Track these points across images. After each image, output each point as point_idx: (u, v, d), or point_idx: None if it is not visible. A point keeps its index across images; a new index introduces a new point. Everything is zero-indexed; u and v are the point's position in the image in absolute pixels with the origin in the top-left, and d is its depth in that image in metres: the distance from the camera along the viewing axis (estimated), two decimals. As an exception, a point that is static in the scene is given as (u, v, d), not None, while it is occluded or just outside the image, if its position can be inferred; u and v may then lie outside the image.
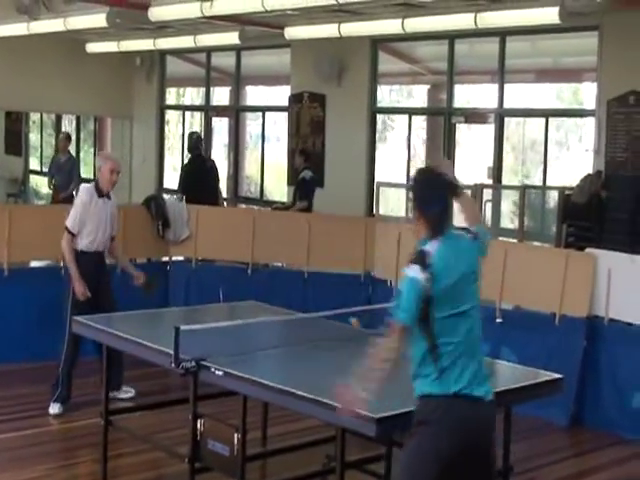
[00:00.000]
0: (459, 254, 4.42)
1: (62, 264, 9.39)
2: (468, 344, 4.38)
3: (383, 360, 4.31)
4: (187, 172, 12.46)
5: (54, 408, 7.84)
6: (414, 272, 4.26)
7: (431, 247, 4.35)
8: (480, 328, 4.48)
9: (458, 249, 4.44)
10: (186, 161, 12.53)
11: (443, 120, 13.87)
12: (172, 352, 5.45)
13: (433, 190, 4.48)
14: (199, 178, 12.27)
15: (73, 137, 20.74)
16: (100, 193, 7.89)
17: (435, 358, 4.34)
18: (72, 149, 17.37)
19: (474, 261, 4.50)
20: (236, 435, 5.40)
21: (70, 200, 14.16)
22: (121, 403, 7.78)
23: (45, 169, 18.37)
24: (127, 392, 8.10)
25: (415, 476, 4.37)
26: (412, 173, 4.71)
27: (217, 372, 5.36)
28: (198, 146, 12.75)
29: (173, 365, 5.46)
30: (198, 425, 5.63)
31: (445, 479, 4.34)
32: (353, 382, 4.29)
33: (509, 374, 6.09)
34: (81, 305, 7.64)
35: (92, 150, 20.97)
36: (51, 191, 15.64)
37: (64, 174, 14.84)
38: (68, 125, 21.82)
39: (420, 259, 4.29)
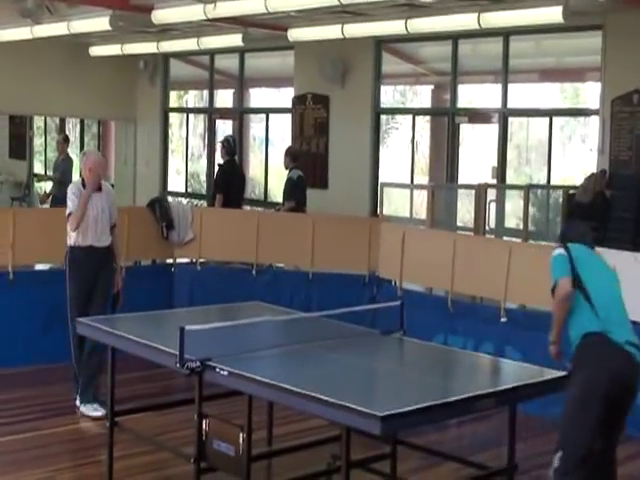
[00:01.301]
0: (592, 254, 5.88)
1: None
2: (616, 310, 5.62)
3: (560, 305, 5.65)
4: (226, 172, 12.37)
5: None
6: (558, 251, 5.73)
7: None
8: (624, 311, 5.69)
9: (591, 252, 5.87)
10: (222, 162, 12.48)
11: (447, 120, 13.89)
12: (177, 353, 5.45)
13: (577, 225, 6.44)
14: (233, 181, 12.30)
15: (77, 141, 20.83)
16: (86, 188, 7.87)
17: (592, 307, 5.51)
18: (76, 152, 17.42)
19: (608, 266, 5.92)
20: (241, 435, 5.41)
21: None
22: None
23: (50, 173, 18.43)
24: (97, 410, 7.83)
25: (583, 407, 5.45)
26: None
27: (222, 372, 5.36)
28: (236, 150, 12.78)
29: (178, 365, 5.45)
30: (203, 425, 5.64)
31: (604, 411, 5.41)
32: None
33: (513, 372, 6.11)
34: (77, 298, 7.78)
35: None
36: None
37: (59, 174, 14.99)
38: (72, 129, 21.87)
39: (561, 245, 5.79)
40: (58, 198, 14.34)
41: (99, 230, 7.84)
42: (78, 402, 7.96)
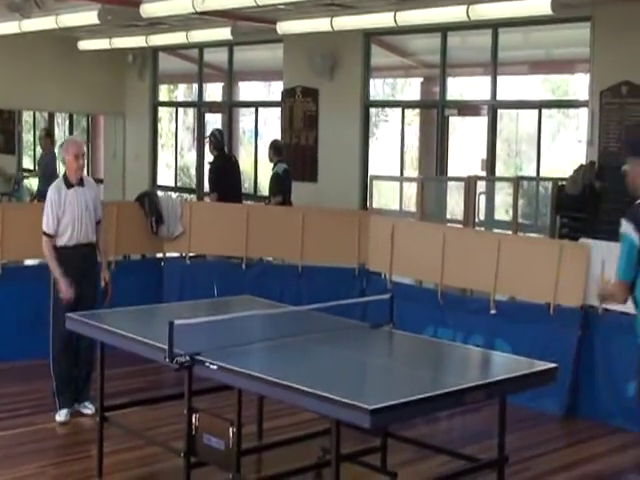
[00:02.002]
0: None
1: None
2: None
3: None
4: (218, 168, 12.28)
5: (59, 415, 7.65)
6: (624, 227, 5.20)
7: None
8: None
9: None
10: (212, 158, 12.45)
11: (436, 113, 13.87)
12: (166, 347, 5.45)
13: None
14: (227, 174, 12.25)
15: (66, 135, 20.76)
16: (69, 184, 7.62)
17: None
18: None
19: None
20: (231, 429, 5.41)
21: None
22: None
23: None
24: (86, 408, 7.78)
25: None
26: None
27: (211, 366, 5.36)
28: (224, 143, 12.72)
29: (167, 360, 5.45)
30: (193, 420, 5.64)
31: None
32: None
33: (503, 364, 6.12)
34: (63, 303, 7.54)
35: (85, 148, 20.92)
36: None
37: (42, 169, 14.90)
38: (61, 123, 21.83)
39: (629, 213, 5.18)
40: (42, 193, 14.30)
41: (84, 228, 7.65)
42: (58, 405, 7.74)
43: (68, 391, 7.71)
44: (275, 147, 12.64)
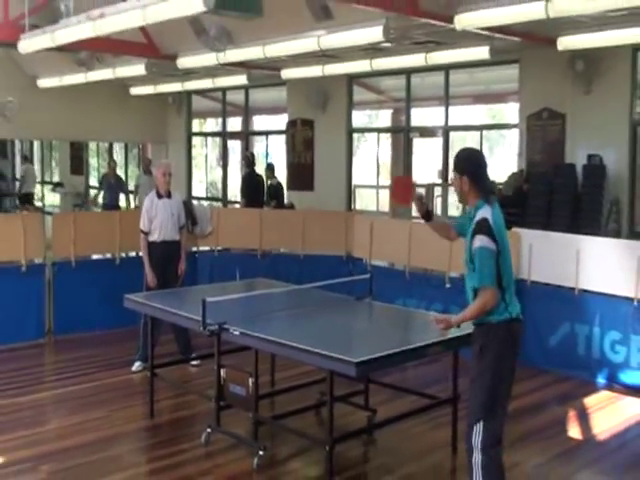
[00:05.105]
0: (501, 215, 4.43)
1: (117, 256, 9.53)
2: (512, 280, 4.44)
3: (482, 312, 4.33)
4: (246, 182, 12.51)
5: (134, 366, 7.79)
6: (486, 243, 4.23)
7: (487, 213, 4.31)
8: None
9: (500, 213, 4.43)
10: (244, 174, 12.73)
11: (403, 136, 13.86)
12: (200, 319, 5.48)
13: (483, 163, 4.47)
14: (252, 187, 12.39)
15: (122, 160, 20.77)
16: (159, 195, 7.84)
17: (502, 295, 4.34)
18: (121, 170, 17.25)
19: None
20: (250, 380, 5.44)
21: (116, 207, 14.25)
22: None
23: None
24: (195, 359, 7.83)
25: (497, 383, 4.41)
26: (459, 151, 4.55)
27: (235, 332, 5.38)
28: (254, 163, 12.83)
29: (201, 328, 5.48)
30: (221, 373, 5.67)
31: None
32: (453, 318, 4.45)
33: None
34: (150, 286, 7.66)
35: (137, 170, 20.90)
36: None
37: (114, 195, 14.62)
38: (119, 150, 21.78)
39: (486, 229, 4.24)
40: (109, 206, 14.26)
41: (169, 229, 7.84)
42: (137, 357, 7.84)
43: (146, 351, 7.61)
44: (269, 169, 13.05)
